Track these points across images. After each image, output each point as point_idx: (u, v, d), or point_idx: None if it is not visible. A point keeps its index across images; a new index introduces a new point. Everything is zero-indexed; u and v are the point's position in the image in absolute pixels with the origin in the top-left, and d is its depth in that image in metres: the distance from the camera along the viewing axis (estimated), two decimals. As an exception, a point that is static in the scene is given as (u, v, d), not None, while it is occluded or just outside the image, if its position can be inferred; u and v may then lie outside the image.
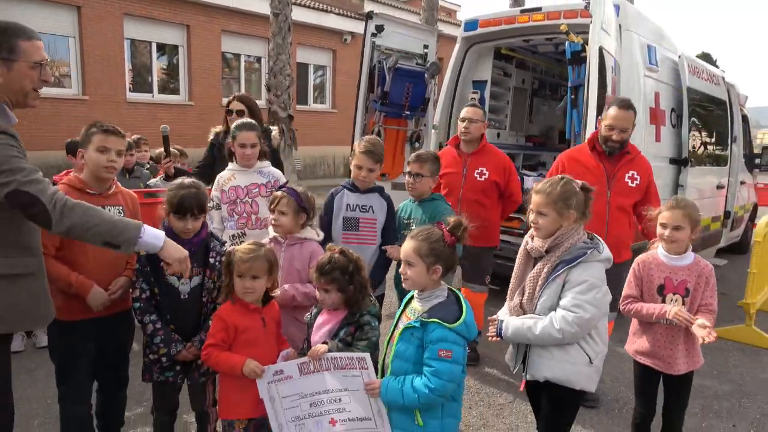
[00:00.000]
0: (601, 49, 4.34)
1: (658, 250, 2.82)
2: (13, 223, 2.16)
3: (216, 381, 2.84)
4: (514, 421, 3.56)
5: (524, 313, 2.47)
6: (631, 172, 3.71)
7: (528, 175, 6.47)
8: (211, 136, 4.41)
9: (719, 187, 6.98)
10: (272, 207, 2.93)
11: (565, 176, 2.51)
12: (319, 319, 2.57)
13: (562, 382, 2.39)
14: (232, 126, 3.60)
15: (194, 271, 2.65)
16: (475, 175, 4.22)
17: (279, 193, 2.95)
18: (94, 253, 2.57)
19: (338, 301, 2.49)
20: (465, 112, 4.30)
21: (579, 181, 2.49)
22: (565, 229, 2.41)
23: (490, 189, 4.21)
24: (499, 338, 2.51)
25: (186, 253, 2.36)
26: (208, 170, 4.20)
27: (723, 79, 7.17)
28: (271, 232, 3.01)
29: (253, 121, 3.66)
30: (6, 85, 2.23)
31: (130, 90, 13.15)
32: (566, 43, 4.98)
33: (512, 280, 2.58)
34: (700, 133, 6.48)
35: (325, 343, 2.43)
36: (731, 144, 7.43)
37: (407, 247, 2.28)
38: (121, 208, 2.71)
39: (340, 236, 3.33)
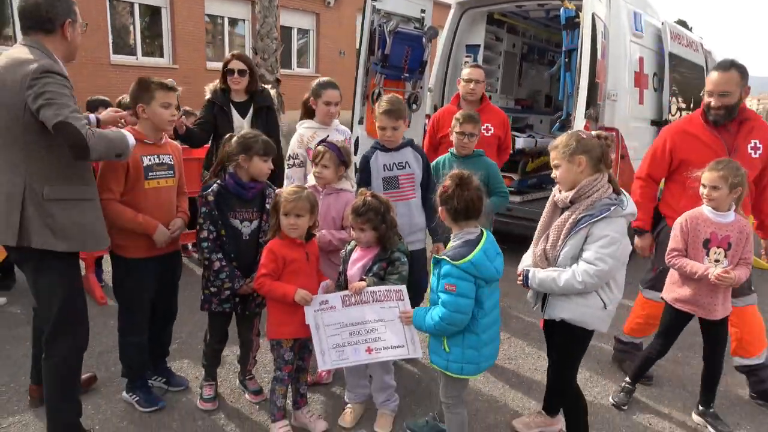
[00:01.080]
0: (593, 15, 4.64)
1: (704, 208, 3.00)
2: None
3: (261, 315, 3.18)
4: (512, 353, 3.99)
5: (546, 259, 2.63)
6: (753, 141, 3.33)
7: (518, 137, 6.80)
8: (209, 95, 4.36)
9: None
10: (316, 161, 3.18)
11: (577, 130, 2.69)
12: (354, 255, 2.90)
13: (577, 323, 2.59)
14: (315, 84, 3.67)
15: (254, 215, 2.98)
16: (482, 131, 4.31)
17: (321, 148, 3.20)
18: (152, 198, 2.89)
19: (372, 239, 2.81)
20: (470, 73, 4.49)
21: (592, 132, 2.66)
22: (587, 181, 2.50)
23: (493, 143, 4.48)
24: (525, 287, 2.69)
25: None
26: (209, 127, 4.28)
27: (701, 45, 7.54)
28: (311, 181, 3.29)
29: (335, 81, 3.70)
30: (73, 41, 2.51)
31: (113, 52, 13.01)
32: (561, 9, 5.26)
33: (538, 227, 2.74)
34: (679, 96, 6.87)
35: (363, 279, 2.76)
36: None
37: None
38: (171, 156, 2.99)
39: (384, 194, 3.42)
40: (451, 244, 2.56)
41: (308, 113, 3.78)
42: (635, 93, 5.77)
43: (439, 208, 2.54)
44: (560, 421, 3.01)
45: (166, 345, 3.36)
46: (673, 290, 3.12)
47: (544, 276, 2.59)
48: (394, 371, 3.18)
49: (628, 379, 3.42)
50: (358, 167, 3.62)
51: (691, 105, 7.24)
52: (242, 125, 4.33)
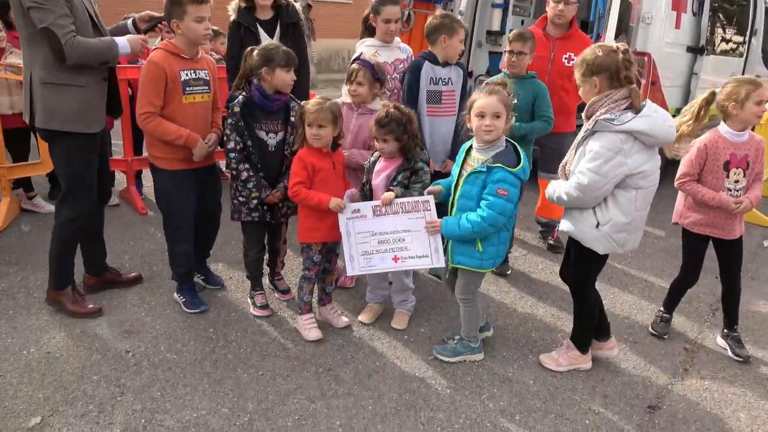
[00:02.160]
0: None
1: (721, 129, 2.98)
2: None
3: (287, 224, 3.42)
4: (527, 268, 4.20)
5: (565, 174, 2.70)
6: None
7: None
8: (233, 15, 3.94)
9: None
10: (351, 79, 3.28)
11: (599, 44, 2.66)
12: (378, 166, 3.06)
13: (574, 237, 2.70)
14: (374, 0, 3.58)
15: (279, 126, 3.12)
16: (563, 60, 4.11)
17: (355, 65, 3.28)
18: (189, 113, 3.07)
19: (395, 150, 2.96)
20: None
21: (616, 45, 2.54)
22: (598, 97, 2.52)
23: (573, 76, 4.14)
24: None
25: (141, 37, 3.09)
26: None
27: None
28: (345, 98, 3.38)
29: None
30: None
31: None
32: None
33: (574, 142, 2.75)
34: (720, 22, 6.60)
35: (390, 190, 2.92)
36: (750, 37, 7.53)
37: (493, 101, 2.60)
38: (206, 71, 3.12)
39: (425, 108, 3.54)
40: (486, 156, 2.66)
41: (369, 31, 3.73)
42: (672, 16, 5.59)
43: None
44: (588, 359, 3.00)
45: (208, 248, 3.64)
46: (689, 215, 3.13)
47: (550, 189, 2.75)
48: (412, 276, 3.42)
49: (662, 308, 3.43)
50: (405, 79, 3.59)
51: (732, 31, 6.96)
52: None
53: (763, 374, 3.03)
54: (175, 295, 3.42)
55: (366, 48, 3.62)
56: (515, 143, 2.74)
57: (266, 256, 3.51)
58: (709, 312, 3.69)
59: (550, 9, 4.16)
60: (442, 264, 2.90)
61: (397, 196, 2.88)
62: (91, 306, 3.24)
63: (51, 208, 4.86)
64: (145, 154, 3.82)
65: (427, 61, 3.50)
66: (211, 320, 3.28)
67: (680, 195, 3.20)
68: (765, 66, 8.65)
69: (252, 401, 2.61)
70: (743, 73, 7.45)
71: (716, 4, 6.14)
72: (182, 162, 3.12)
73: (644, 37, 5.17)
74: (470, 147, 2.80)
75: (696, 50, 6.08)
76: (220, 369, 2.83)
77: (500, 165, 2.60)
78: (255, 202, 3.13)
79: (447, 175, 3.18)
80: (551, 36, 4.19)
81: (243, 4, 3.95)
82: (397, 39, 3.73)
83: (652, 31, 5.28)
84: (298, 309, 3.20)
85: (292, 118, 3.13)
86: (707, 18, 5.97)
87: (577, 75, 2.62)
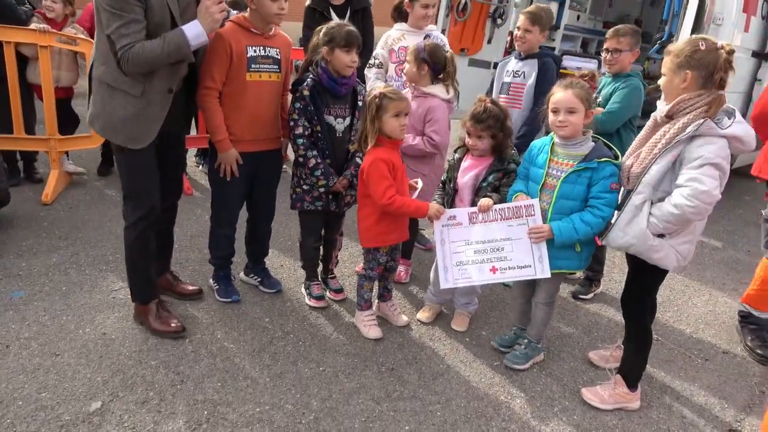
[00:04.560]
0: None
1: None
2: None
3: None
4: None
5: (627, 178, 2.44)
6: None
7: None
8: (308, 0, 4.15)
9: (796, 88, 6.90)
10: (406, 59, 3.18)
11: (704, 36, 2.41)
12: (465, 163, 2.90)
13: (636, 253, 2.43)
14: None
15: (346, 111, 2.98)
16: None
17: (417, 44, 3.15)
18: (252, 92, 2.87)
19: (488, 147, 2.80)
20: None
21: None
22: (688, 96, 2.27)
23: None
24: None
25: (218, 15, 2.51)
26: None
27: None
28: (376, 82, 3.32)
29: None
30: None
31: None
32: None
33: (635, 141, 2.54)
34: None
35: (489, 197, 2.73)
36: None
37: (568, 95, 2.46)
38: (278, 50, 2.93)
39: (498, 99, 3.53)
40: (582, 150, 2.53)
41: (401, 17, 3.68)
42: (742, 19, 5.35)
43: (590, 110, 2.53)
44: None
45: (264, 244, 3.36)
46: None
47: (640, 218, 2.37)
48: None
49: None
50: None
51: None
52: None
53: None
54: (210, 280, 3.30)
55: (393, 31, 3.66)
56: (597, 135, 2.59)
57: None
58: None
59: None
60: (547, 274, 2.61)
61: (495, 203, 2.70)
62: (174, 324, 2.87)
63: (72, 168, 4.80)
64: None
65: (512, 57, 3.62)
66: (266, 309, 3.18)
67: None
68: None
69: (316, 399, 2.51)
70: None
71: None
72: (241, 143, 2.92)
73: (714, 37, 4.92)
74: (552, 145, 2.63)
75: (761, 56, 5.83)
76: (280, 362, 2.73)
77: (608, 159, 2.45)
78: (322, 190, 3.00)
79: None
80: None
81: None
82: (431, 26, 3.70)
83: (723, 33, 5.04)
84: (357, 305, 3.07)
85: (360, 103, 2.99)
86: (777, 23, 5.72)
87: (668, 64, 2.33)
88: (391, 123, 2.69)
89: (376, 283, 3.14)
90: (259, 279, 3.38)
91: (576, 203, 2.53)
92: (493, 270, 2.67)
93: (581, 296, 3.60)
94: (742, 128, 2.26)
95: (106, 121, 2.57)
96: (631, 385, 2.64)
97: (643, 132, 2.51)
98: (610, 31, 3.40)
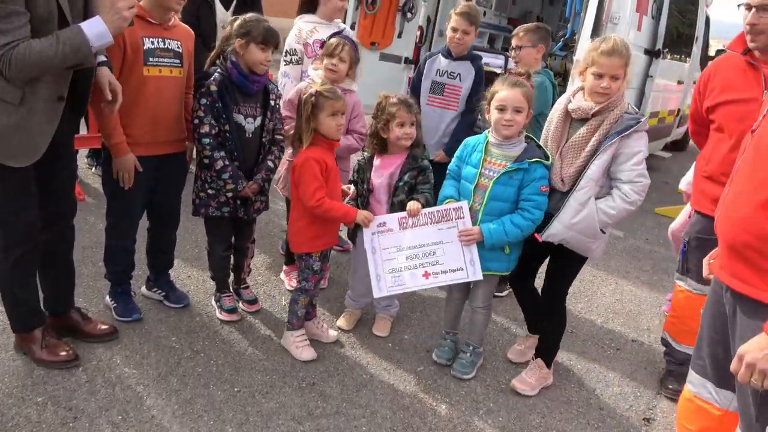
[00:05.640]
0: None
1: None
2: None
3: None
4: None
5: (561, 180, 2.44)
6: None
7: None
8: None
9: (679, 82, 7.45)
10: (332, 53, 2.97)
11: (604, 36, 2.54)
12: (376, 162, 2.79)
13: (571, 246, 2.51)
14: None
15: (257, 111, 2.77)
16: None
17: (336, 40, 3.00)
18: (152, 87, 2.63)
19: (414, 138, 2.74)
20: None
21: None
22: (619, 94, 2.35)
23: None
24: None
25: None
26: (193, 22, 3.74)
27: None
28: (313, 76, 3.05)
29: None
30: None
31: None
32: None
33: (549, 139, 2.52)
34: (673, 28, 6.77)
35: (416, 199, 2.65)
36: (694, 43, 7.82)
37: (516, 94, 2.44)
38: (179, 43, 2.69)
39: (426, 98, 3.48)
40: (515, 151, 2.50)
41: (307, 6, 3.51)
42: (635, 18, 5.64)
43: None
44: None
45: (168, 254, 3.09)
46: None
47: (594, 215, 2.41)
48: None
49: None
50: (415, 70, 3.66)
51: (682, 37, 7.18)
52: (226, 18, 4.03)
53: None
54: (107, 298, 2.96)
55: (303, 24, 3.45)
56: (530, 135, 2.58)
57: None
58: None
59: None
60: (479, 276, 2.58)
61: (423, 206, 2.62)
62: (64, 353, 2.49)
63: None
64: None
65: (440, 55, 3.48)
66: (172, 326, 2.91)
67: None
68: (701, 71, 9.07)
69: (231, 424, 2.31)
70: (687, 77, 7.76)
71: (672, 10, 6.28)
72: (140, 147, 2.64)
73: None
74: (487, 144, 2.57)
75: (652, 53, 6.19)
76: (190, 386, 2.50)
77: (539, 160, 2.43)
78: (230, 195, 2.77)
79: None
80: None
81: None
82: (339, 20, 3.64)
83: (619, 31, 5.26)
84: (288, 324, 2.84)
85: (272, 102, 2.81)
86: (665, 22, 6.09)
87: (619, 63, 2.31)
88: (327, 122, 2.56)
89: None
90: (163, 293, 3.09)
91: (507, 205, 2.51)
92: (426, 275, 2.62)
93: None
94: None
95: None
96: (549, 365, 2.76)
97: (555, 128, 2.50)
98: (516, 29, 3.46)
